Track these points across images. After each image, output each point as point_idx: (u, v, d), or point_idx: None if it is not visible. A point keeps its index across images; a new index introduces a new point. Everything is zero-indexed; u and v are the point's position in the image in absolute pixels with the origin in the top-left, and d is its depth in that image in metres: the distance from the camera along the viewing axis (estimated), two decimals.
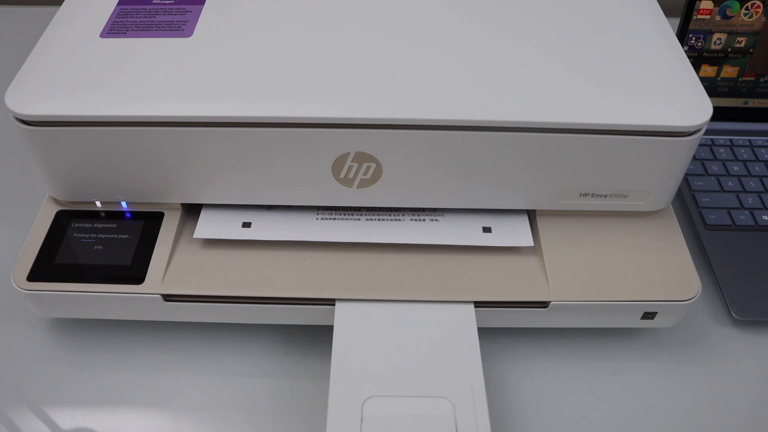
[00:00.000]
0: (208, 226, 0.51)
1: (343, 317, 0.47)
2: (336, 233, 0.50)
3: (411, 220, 0.51)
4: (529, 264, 0.50)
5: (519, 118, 0.44)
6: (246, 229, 0.50)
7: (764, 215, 0.60)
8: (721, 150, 0.66)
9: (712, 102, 0.54)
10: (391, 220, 0.51)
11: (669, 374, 0.52)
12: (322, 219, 0.51)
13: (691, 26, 0.64)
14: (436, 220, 0.51)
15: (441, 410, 0.43)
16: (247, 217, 0.51)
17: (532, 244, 0.50)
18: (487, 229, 0.50)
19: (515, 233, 0.51)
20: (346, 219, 0.51)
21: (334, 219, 0.51)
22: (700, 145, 0.66)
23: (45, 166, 0.48)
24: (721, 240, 0.59)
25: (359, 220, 0.51)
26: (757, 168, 0.64)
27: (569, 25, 0.51)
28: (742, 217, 0.60)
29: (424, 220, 0.51)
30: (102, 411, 0.49)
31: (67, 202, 0.52)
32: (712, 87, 0.67)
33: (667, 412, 0.50)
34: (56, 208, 0.52)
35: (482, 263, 0.50)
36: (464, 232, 0.51)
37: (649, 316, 0.49)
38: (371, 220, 0.51)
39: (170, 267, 0.49)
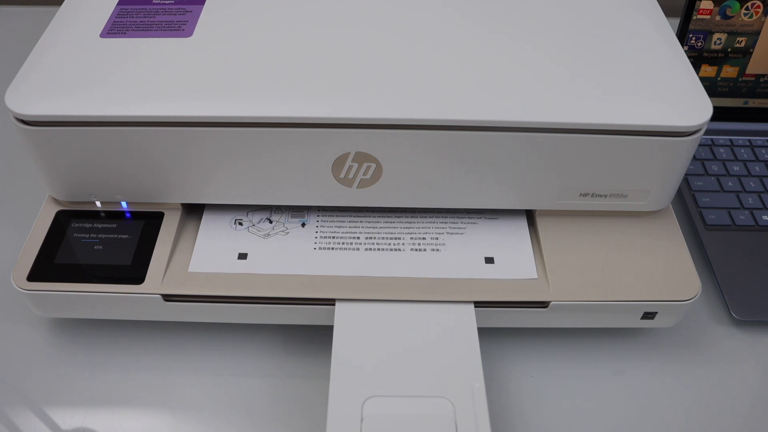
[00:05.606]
0: (202, 259, 0.50)
1: (343, 317, 0.47)
2: (334, 267, 0.49)
3: (411, 249, 0.50)
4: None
5: (519, 118, 0.44)
6: (242, 261, 0.49)
7: (764, 215, 0.60)
8: (721, 150, 0.66)
9: (712, 102, 0.54)
10: (391, 249, 0.50)
11: (669, 374, 0.52)
12: (319, 249, 0.50)
13: (691, 26, 0.64)
14: (437, 249, 0.50)
15: (441, 410, 0.43)
16: (242, 246, 0.50)
17: (536, 276, 0.49)
18: (489, 260, 0.50)
19: (518, 264, 0.50)
20: (345, 249, 0.50)
21: (333, 249, 0.50)
22: (700, 145, 0.66)
23: (45, 166, 0.48)
24: (721, 240, 0.59)
25: (358, 250, 0.50)
26: (757, 168, 0.64)
27: (569, 26, 0.51)
28: (742, 217, 0.60)
29: (425, 249, 0.50)
30: (102, 411, 0.49)
31: (67, 202, 0.52)
32: (712, 87, 0.67)
33: (668, 412, 0.50)
34: (56, 208, 0.52)
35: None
36: (466, 264, 0.49)
37: (649, 316, 0.49)
38: (371, 249, 0.50)
39: (170, 267, 0.49)
